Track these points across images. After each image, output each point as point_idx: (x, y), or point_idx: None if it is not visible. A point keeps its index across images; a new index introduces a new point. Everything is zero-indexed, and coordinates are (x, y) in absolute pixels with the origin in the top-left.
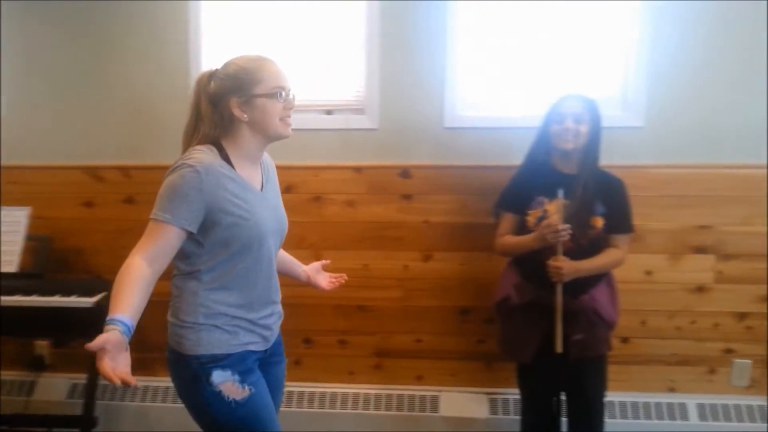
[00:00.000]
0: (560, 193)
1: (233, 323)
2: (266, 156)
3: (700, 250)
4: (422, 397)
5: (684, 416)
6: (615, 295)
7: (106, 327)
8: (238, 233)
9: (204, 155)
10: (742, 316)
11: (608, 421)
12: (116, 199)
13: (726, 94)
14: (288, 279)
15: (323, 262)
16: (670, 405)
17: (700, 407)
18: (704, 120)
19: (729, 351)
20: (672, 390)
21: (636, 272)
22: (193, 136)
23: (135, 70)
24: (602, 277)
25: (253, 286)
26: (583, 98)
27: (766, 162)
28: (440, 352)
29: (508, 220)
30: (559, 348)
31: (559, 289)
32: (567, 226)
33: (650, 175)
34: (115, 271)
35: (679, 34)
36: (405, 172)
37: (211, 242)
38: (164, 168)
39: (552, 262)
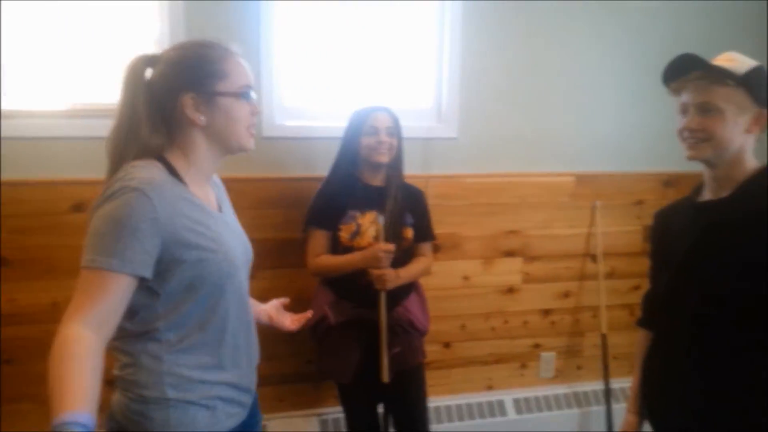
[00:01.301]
0: (373, 206)
1: (212, 393)
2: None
3: (510, 253)
4: None
5: (502, 412)
6: (424, 304)
7: None
8: (207, 271)
9: (149, 173)
10: (546, 312)
11: (433, 427)
12: None
13: (532, 107)
14: None
15: (282, 300)
16: (489, 403)
17: (516, 401)
18: (512, 131)
19: (537, 346)
20: (490, 388)
21: (455, 278)
22: (126, 147)
23: None
24: (412, 287)
25: (232, 335)
26: (391, 111)
27: (569, 170)
28: (269, 378)
29: (319, 236)
30: (386, 378)
31: (384, 301)
32: (392, 246)
33: (464, 185)
34: None
35: (487, 48)
36: None
37: (170, 288)
38: None
39: (375, 271)
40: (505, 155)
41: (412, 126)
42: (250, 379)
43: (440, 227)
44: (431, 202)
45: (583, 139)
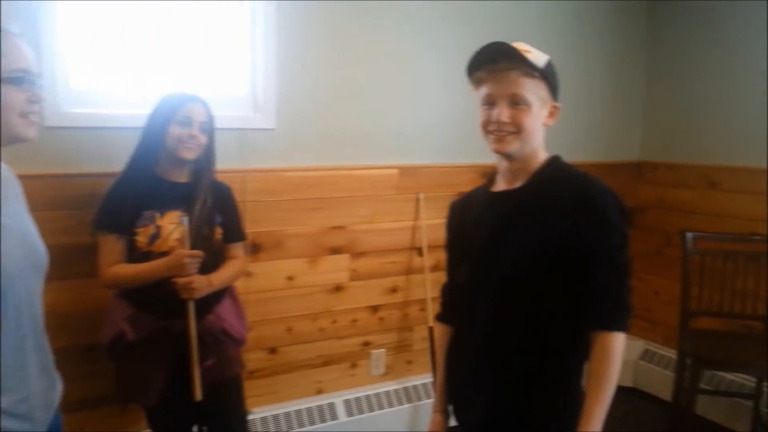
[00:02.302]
0: (175, 205)
1: None
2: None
3: (336, 250)
4: None
5: (333, 415)
6: (241, 310)
7: None
8: None
9: None
10: (374, 309)
11: None
12: None
13: (353, 99)
14: None
15: None
16: (319, 407)
17: (347, 403)
18: (333, 123)
19: (366, 344)
20: (320, 392)
21: (278, 279)
22: None
23: None
24: (225, 291)
25: (14, 354)
26: (207, 105)
27: (392, 163)
28: (67, 405)
29: (112, 242)
30: (198, 395)
31: (192, 311)
32: (199, 252)
33: (285, 179)
34: None
35: (305, 35)
36: None
37: None
38: None
39: (181, 280)
40: (326, 148)
41: (226, 115)
42: (40, 405)
43: (260, 225)
44: (249, 197)
45: (405, 132)
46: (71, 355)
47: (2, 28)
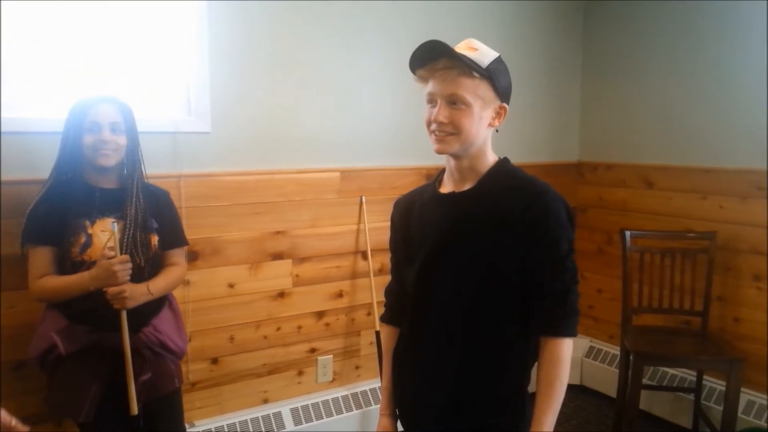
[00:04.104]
0: (107, 212)
1: None
2: None
3: (278, 256)
4: None
5: (280, 425)
6: (180, 321)
7: None
8: None
9: None
10: (320, 314)
11: None
12: None
13: (290, 102)
14: None
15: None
16: (265, 417)
17: (294, 411)
18: (271, 126)
19: (313, 350)
20: (266, 401)
21: (219, 287)
22: None
23: None
24: (163, 302)
25: None
26: (118, 102)
27: (333, 167)
28: None
29: (42, 254)
30: (134, 410)
31: (125, 322)
32: (126, 256)
33: (222, 183)
34: None
35: (239, 36)
36: None
37: None
38: None
39: (111, 289)
40: (264, 151)
41: (159, 119)
42: None
43: (198, 231)
44: (185, 203)
45: (346, 135)
46: (3, 372)
47: None
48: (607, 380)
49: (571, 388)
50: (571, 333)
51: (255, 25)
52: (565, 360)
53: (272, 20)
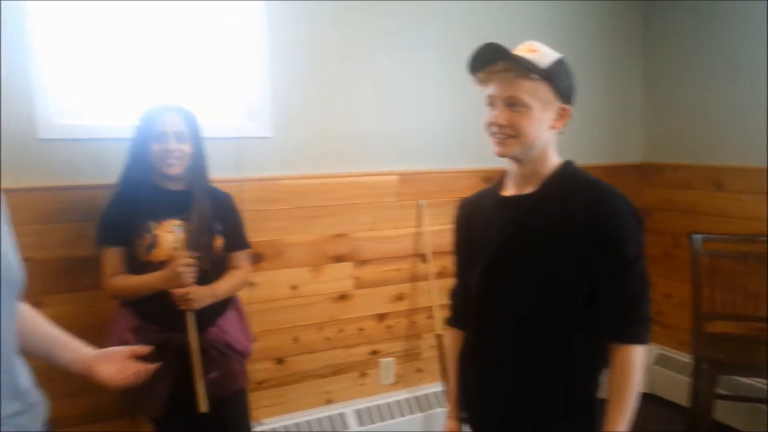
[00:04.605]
0: (172, 213)
1: None
2: None
3: (339, 258)
4: None
5: (344, 425)
6: (245, 322)
7: None
8: None
9: None
10: (381, 317)
11: None
12: None
13: (349, 106)
14: None
15: (129, 348)
16: (330, 417)
17: (358, 413)
18: (330, 130)
19: (375, 353)
20: (330, 402)
21: (282, 288)
22: None
23: None
24: (228, 303)
25: None
26: (183, 111)
27: (392, 170)
28: (74, 418)
29: (114, 254)
30: (203, 407)
31: (192, 322)
32: (190, 258)
33: (283, 187)
34: None
35: (299, 39)
36: None
37: None
38: None
39: (177, 290)
40: (324, 155)
41: (222, 125)
42: (17, 420)
43: (260, 234)
44: (248, 207)
45: (405, 138)
46: None
47: None
48: (677, 389)
49: (641, 397)
50: (642, 340)
51: (315, 27)
52: (636, 368)
53: (333, 22)
